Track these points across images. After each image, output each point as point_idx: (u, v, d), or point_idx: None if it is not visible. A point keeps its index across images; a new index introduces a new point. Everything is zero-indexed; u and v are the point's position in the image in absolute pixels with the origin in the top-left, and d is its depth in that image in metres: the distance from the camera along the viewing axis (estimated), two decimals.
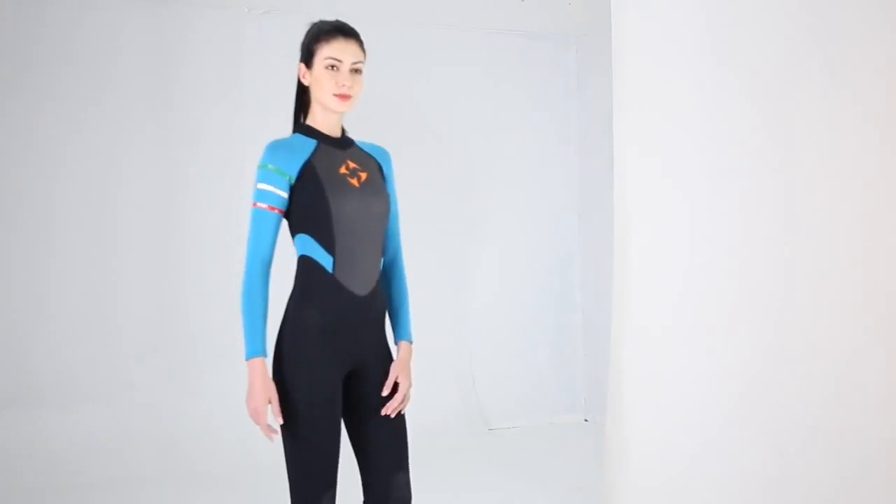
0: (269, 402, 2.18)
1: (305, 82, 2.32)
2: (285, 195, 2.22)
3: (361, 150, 2.35)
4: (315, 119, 2.33)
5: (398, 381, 2.32)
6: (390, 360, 2.35)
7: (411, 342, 2.41)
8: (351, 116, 2.40)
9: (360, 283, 2.24)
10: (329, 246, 2.21)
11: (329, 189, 2.21)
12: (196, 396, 4.84)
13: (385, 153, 2.40)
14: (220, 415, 4.81)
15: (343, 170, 2.25)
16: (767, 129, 2.46)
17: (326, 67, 2.24)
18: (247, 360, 2.20)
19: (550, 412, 5.71)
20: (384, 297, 2.34)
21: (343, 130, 2.37)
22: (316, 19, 2.39)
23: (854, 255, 2.36)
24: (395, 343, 2.40)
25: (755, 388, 2.46)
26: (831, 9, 2.37)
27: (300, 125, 2.37)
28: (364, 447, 2.30)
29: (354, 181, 2.25)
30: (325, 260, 2.21)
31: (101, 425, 4.63)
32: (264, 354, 2.20)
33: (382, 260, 2.35)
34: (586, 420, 5.79)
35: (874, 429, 2.31)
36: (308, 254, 2.24)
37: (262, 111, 5.08)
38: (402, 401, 2.32)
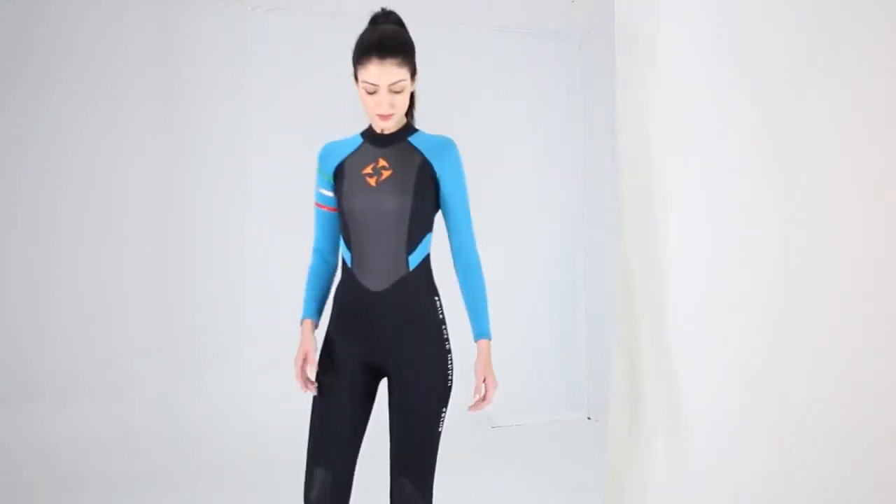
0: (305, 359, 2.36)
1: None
2: (330, 193, 2.37)
3: (410, 145, 2.32)
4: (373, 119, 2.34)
5: (486, 381, 2.33)
6: (433, 363, 2.30)
7: (490, 339, 2.35)
8: (350, 115, 2.41)
9: (375, 280, 2.27)
10: (348, 242, 2.32)
11: (347, 188, 2.30)
12: (199, 393, 4.85)
13: (441, 147, 2.33)
14: (223, 411, 4.83)
15: (367, 169, 2.30)
16: (772, 127, 2.46)
17: (365, 91, 2.23)
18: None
19: (553, 410, 5.71)
20: (424, 294, 2.31)
21: (407, 124, 2.36)
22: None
23: (858, 254, 2.36)
24: (475, 341, 2.36)
25: (760, 384, 2.46)
26: (836, 7, 2.37)
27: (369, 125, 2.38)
28: (390, 446, 2.31)
29: (373, 180, 2.28)
30: (347, 255, 2.34)
31: (104, 422, 4.64)
32: (311, 317, 2.41)
33: (413, 256, 2.28)
34: (589, 418, 5.79)
35: (879, 427, 2.31)
36: (341, 250, 2.38)
37: (266, 108, 5.09)
38: (485, 401, 2.34)
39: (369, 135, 2.35)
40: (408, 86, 2.25)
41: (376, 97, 2.22)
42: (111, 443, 4.56)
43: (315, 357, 2.35)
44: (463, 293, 2.37)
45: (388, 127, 2.30)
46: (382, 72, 2.19)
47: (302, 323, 2.40)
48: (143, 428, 4.68)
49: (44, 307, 4.69)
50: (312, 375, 2.34)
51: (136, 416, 4.70)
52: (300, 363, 2.34)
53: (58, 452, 4.45)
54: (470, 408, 2.35)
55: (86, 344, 4.73)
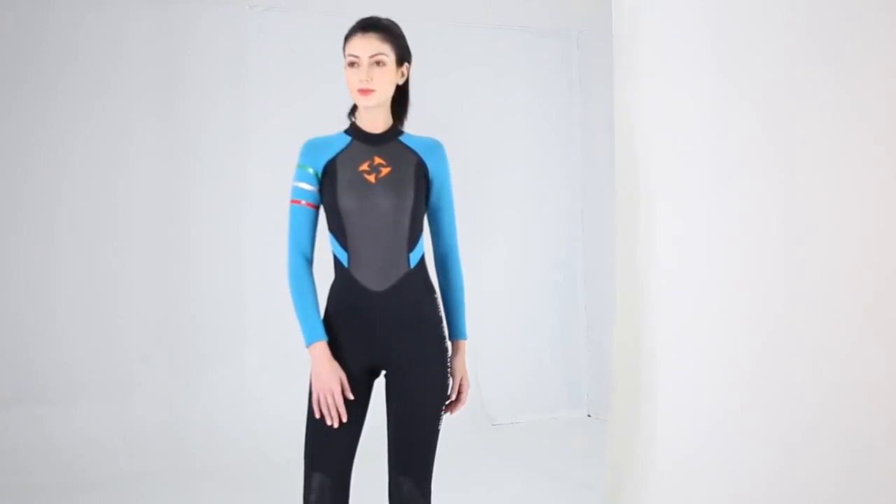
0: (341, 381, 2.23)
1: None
2: (314, 189, 2.30)
3: (403, 144, 2.33)
4: (359, 116, 2.34)
5: (462, 381, 2.37)
6: (435, 360, 2.31)
7: (465, 339, 2.41)
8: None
9: (376, 279, 2.26)
10: (343, 241, 2.27)
11: (341, 186, 2.26)
12: (200, 394, 4.86)
13: (432, 147, 2.36)
14: (225, 412, 4.83)
15: (364, 166, 2.28)
16: (769, 126, 2.46)
17: (348, 65, 2.26)
18: (307, 347, 2.26)
19: (554, 408, 5.72)
20: (424, 293, 2.32)
21: (394, 125, 2.36)
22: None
23: (857, 253, 2.36)
24: (451, 341, 2.38)
25: (760, 383, 2.46)
26: (835, 6, 2.37)
27: (350, 123, 2.36)
28: (389, 445, 2.31)
29: (371, 177, 2.27)
30: (342, 255, 2.28)
31: (106, 423, 4.64)
32: (324, 338, 2.26)
33: (413, 254, 2.30)
34: (589, 416, 5.79)
35: (878, 427, 2.31)
36: (333, 249, 2.31)
37: (265, 108, 5.09)
38: (459, 402, 2.38)
39: (358, 133, 2.33)
40: (390, 64, 2.26)
41: (358, 71, 2.24)
42: (111, 444, 4.57)
43: (345, 377, 2.24)
44: (443, 293, 2.40)
45: (369, 104, 2.26)
46: (364, 43, 2.23)
47: (313, 346, 2.24)
48: (144, 429, 4.68)
49: (44, 309, 4.69)
50: (349, 395, 2.23)
51: (136, 418, 4.70)
52: (338, 392, 2.21)
53: (58, 454, 4.45)
54: (447, 409, 2.35)
55: (86, 346, 4.73)
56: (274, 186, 5.02)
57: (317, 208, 2.31)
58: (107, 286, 4.81)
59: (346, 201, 2.25)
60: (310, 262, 2.32)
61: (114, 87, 4.84)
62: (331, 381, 2.21)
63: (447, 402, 2.36)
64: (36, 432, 4.51)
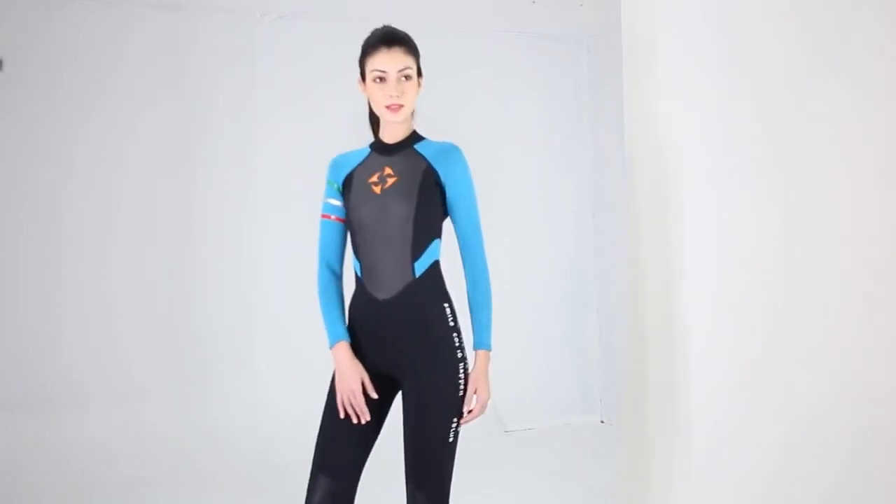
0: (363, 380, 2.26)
1: (365, 96, 2.33)
2: (338, 203, 2.37)
3: (415, 152, 2.33)
4: (381, 128, 2.37)
5: (476, 392, 2.28)
6: (443, 373, 2.26)
7: (489, 350, 2.31)
8: (359, 121, 2.43)
9: (383, 288, 2.27)
10: (357, 252, 2.32)
11: (353, 198, 2.31)
12: (208, 400, 4.86)
13: (446, 152, 2.33)
14: (232, 417, 4.83)
15: (373, 178, 2.31)
16: (777, 128, 2.45)
17: (374, 80, 2.27)
18: (330, 348, 2.30)
19: (566, 414, 5.70)
20: (432, 302, 2.28)
21: (413, 133, 2.37)
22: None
23: (860, 255, 2.35)
24: (473, 350, 2.32)
25: (774, 383, 2.45)
26: (838, 8, 2.36)
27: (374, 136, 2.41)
28: (404, 457, 2.27)
29: (378, 188, 2.29)
30: (357, 266, 2.34)
31: (113, 430, 4.65)
32: (346, 338, 2.31)
33: (419, 263, 2.27)
34: (602, 421, 5.77)
35: (880, 427, 2.30)
36: (353, 261, 2.35)
37: (274, 117, 5.10)
38: (478, 413, 2.30)
39: (377, 145, 2.38)
40: (415, 77, 2.30)
41: (386, 87, 2.25)
42: (121, 451, 4.58)
43: (367, 376, 2.26)
44: (468, 300, 2.34)
45: (398, 119, 2.29)
46: (391, 58, 2.25)
47: (336, 347, 2.29)
48: (153, 436, 4.68)
49: (52, 315, 4.71)
50: (373, 394, 2.25)
51: (145, 424, 4.71)
52: (359, 391, 2.23)
53: (67, 461, 4.46)
54: (461, 420, 2.30)
55: (94, 352, 4.75)
56: (283, 192, 5.05)
57: (345, 222, 2.37)
58: (115, 293, 4.82)
59: (356, 213, 2.30)
60: (337, 275, 2.38)
61: (122, 92, 4.86)
62: (352, 380, 2.24)
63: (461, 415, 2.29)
64: (45, 439, 4.52)
